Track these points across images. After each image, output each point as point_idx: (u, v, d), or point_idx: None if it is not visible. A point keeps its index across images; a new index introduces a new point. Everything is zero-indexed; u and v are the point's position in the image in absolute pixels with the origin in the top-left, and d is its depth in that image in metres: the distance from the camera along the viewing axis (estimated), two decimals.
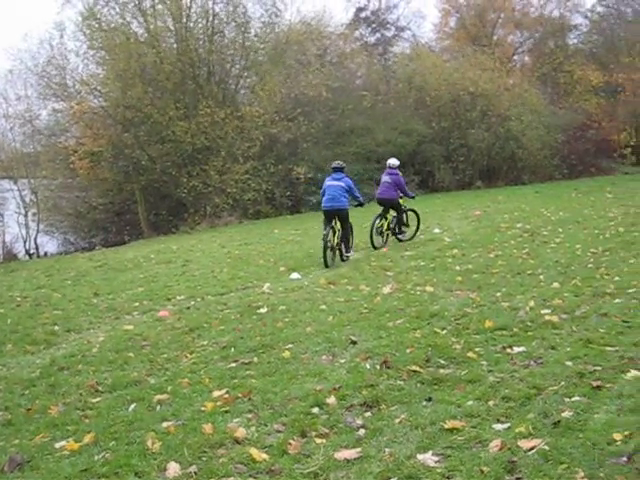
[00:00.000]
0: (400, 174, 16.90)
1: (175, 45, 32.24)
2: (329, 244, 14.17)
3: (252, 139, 30.97)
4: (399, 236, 16.99)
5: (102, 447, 5.10)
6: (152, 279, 14.05)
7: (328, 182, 14.95)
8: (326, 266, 13.90)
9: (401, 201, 16.81)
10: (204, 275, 13.92)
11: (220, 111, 30.09)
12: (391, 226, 16.76)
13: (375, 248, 16.01)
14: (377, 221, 16.46)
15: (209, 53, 31.80)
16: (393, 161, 17.19)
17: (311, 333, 7.91)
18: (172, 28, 32.21)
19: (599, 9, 53.93)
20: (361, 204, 15.53)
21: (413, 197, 17.66)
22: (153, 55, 30.72)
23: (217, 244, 19.98)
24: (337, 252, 14.60)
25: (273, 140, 32.56)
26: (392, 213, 16.76)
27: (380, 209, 16.74)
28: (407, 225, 17.31)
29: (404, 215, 17.08)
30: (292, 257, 15.51)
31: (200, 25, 32.51)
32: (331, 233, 14.31)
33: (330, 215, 14.60)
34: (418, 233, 17.59)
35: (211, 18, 31.96)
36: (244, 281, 12.65)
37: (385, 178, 16.77)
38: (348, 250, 14.74)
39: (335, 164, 15.44)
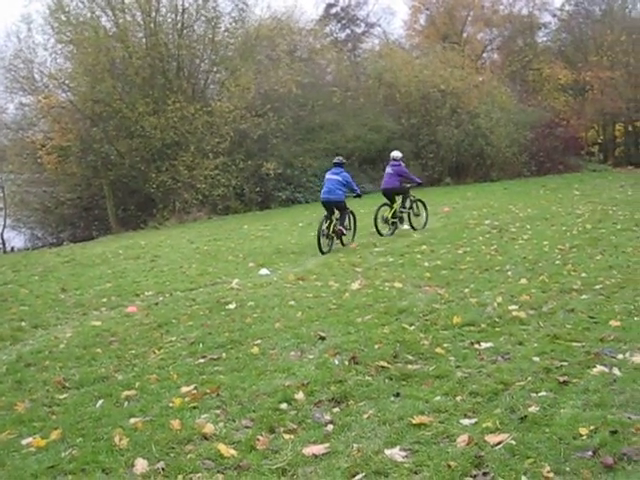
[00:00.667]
0: (402, 164, 17.88)
1: (144, 40, 31.99)
2: (323, 232, 15.11)
3: (222, 135, 30.87)
4: (401, 225, 17.75)
5: (69, 444, 5.07)
6: (120, 275, 13.96)
7: (328, 176, 15.96)
8: (321, 252, 14.78)
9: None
10: (173, 271, 13.86)
11: (190, 106, 29.97)
12: (398, 214, 17.52)
13: (381, 235, 16.88)
14: (382, 210, 17.28)
15: (178, 48, 31.62)
16: (396, 153, 18.05)
17: (280, 329, 7.90)
18: (141, 22, 31.97)
19: (568, 7, 54.29)
20: (358, 195, 16.23)
21: (420, 183, 18.61)
22: (122, 49, 30.56)
23: (186, 240, 19.91)
24: (333, 239, 15.52)
25: (243, 136, 32.46)
26: (398, 202, 17.52)
27: (384, 200, 17.63)
28: (418, 214, 18.18)
29: (414, 205, 18.03)
30: (261, 253, 15.49)
31: (169, 20, 32.36)
32: (327, 223, 15.34)
33: (327, 206, 15.60)
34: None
35: (180, 12, 31.82)
36: (213, 277, 12.60)
37: (388, 170, 17.66)
38: (342, 224, 15.58)
39: (336, 160, 16.34)
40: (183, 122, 30.01)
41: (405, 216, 17.80)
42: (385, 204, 17.42)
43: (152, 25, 31.30)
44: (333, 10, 49.38)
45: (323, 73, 42.06)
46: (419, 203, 18.23)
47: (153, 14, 31.42)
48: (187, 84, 31.88)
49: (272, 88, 33.65)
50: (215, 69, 34.42)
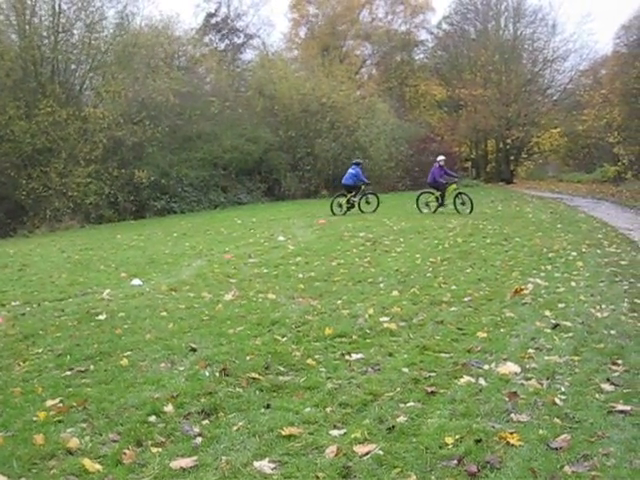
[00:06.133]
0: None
1: (17, 41, 31.09)
2: (338, 202, 25.29)
3: (95, 142, 30.26)
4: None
5: None
6: None
7: (349, 170, 25.59)
8: (333, 214, 24.35)
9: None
10: (41, 280, 13.43)
11: (62, 111, 29.24)
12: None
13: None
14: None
15: (54, 51, 30.83)
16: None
17: (150, 340, 7.76)
18: (14, 23, 31.03)
19: (444, 26, 55.85)
20: (365, 183, 25.93)
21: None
22: None
23: (57, 248, 19.37)
24: (345, 208, 25.26)
25: (118, 143, 31.91)
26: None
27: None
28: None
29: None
30: (134, 263, 15.20)
31: (46, 22, 31.49)
32: (342, 198, 25.42)
33: (345, 188, 25.47)
34: (262, 240, 17.79)
35: (57, 15, 31.01)
36: (83, 287, 12.26)
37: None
38: (354, 197, 25.41)
39: (354, 160, 26.83)
40: (55, 127, 29.25)
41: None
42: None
43: (26, 26, 30.41)
44: (213, 20, 49.26)
45: (202, 83, 41.84)
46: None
47: (27, 15, 30.54)
48: (60, 89, 31.00)
49: (149, 96, 33.22)
50: (91, 75, 33.74)
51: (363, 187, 25.90)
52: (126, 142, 31.65)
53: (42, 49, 30.88)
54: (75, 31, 32.38)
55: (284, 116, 40.03)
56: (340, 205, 25.25)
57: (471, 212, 22.86)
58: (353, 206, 25.43)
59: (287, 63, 46.74)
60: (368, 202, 26.09)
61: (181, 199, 33.18)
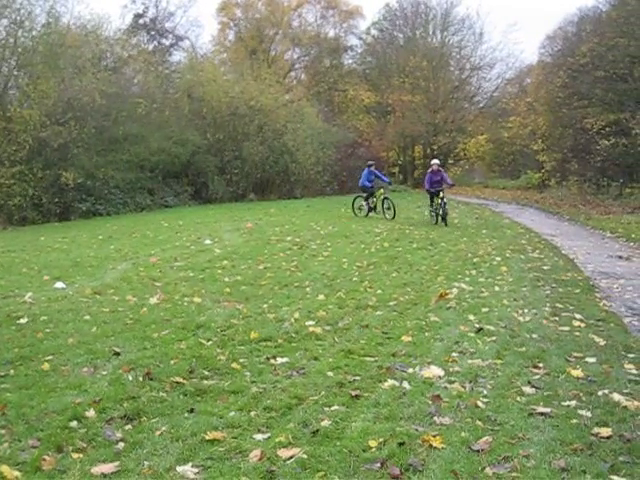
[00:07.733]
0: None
1: None
2: (359, 205, 25.70)
3: (20, 142, 29.61)
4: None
5: None
6: None
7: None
8: (355, 215, 25.33)
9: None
10: None
11: None
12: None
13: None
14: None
15: None
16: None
17: (73, 344, 7.63)
18: None
19: (373, 32, 56.27)
20: (365, 187, 25.08)
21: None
22: None
23: None
24: (365, 211, 25.20)
25: (42, 144, 31.20)
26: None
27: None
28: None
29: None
30: (57, 266, 14.92)
31: None
32: (361, 199, 25.65)
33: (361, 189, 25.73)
34: (189, 244, 17.65)
35: None
36: (5, 290, 11.98)
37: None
38: (366, 200, 25.23)
39: (369, 162, 26.30)
40: None
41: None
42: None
43: None
44: (141, 20, 48.70)
45: (129, 84, 41.23)
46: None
47: None
48: None
49: (75, 97, 32.63)
50: (16, 73, 33.04)
51: (382, 190, 24.84)
52: (51, 143, 30.99)
53: None
54: (0, 28, 31.66)
55: (212, 119, 39.88)
56: (360, 208, 25.54)
57: (446, 225, 21.39)
58: (372, 209, 24.91)
59: (216, 66, 46.58)
60: (389, 207, 24.09)
61: (107, 201, 32.65)
